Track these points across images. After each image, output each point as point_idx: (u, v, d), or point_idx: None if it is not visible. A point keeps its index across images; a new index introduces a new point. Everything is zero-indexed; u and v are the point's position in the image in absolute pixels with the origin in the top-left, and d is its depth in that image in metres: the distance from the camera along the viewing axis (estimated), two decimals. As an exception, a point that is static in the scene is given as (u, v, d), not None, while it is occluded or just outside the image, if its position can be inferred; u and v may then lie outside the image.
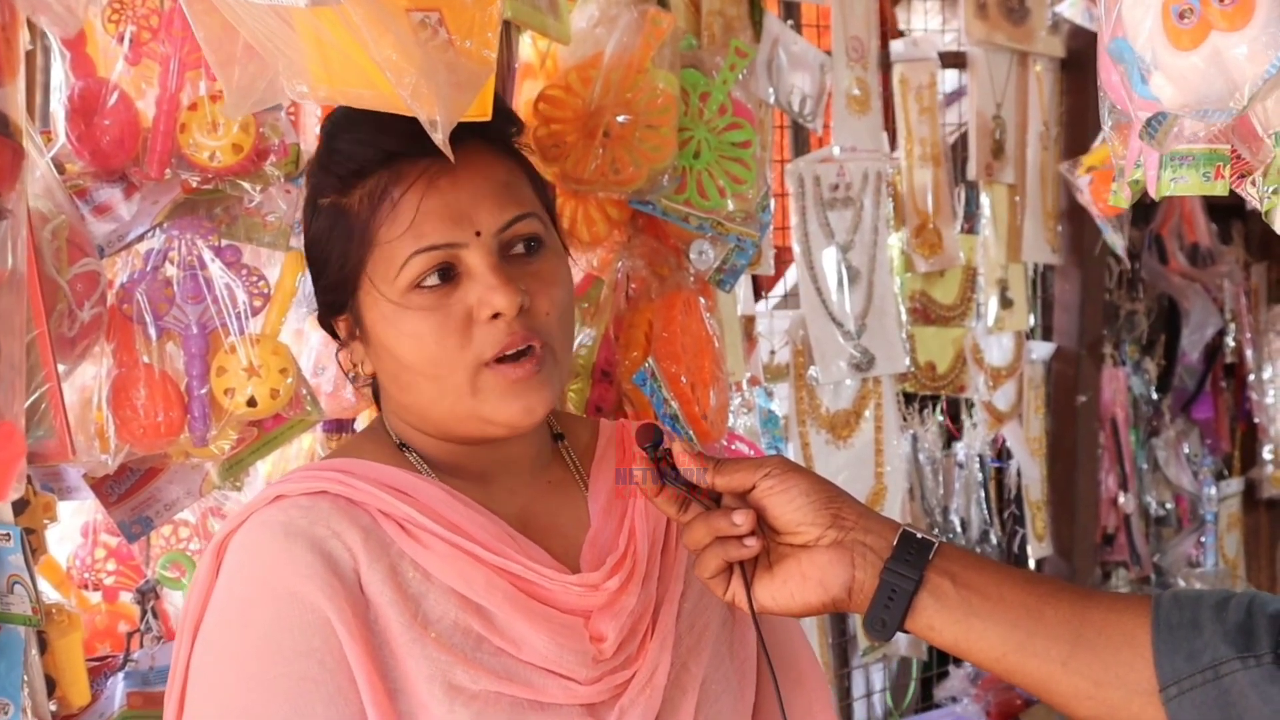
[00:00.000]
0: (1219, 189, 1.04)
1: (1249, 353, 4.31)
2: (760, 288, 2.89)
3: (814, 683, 1.47)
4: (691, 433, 2.03)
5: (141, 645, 1.79)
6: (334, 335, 1.41)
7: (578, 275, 1.98)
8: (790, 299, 2.90)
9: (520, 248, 1.32)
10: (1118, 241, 3.54)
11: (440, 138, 1.15)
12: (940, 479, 3.24)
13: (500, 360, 1.29)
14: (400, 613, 1.24)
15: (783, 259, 2.91)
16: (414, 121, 1.18)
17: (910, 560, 1.20)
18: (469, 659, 1.25)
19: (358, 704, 1.21)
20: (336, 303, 1.36)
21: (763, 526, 1.24)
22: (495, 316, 1.28)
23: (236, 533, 1.27)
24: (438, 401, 1.31)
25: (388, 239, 1.29)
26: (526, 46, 1.96)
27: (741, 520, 1.21)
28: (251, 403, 1.57)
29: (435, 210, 1.28)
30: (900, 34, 3.19)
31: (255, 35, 1.16)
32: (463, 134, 1.22)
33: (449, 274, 1.29)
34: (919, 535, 1.21)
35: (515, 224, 1.31)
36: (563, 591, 1.30)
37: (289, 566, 1.22)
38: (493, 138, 1.34)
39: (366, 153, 1.29)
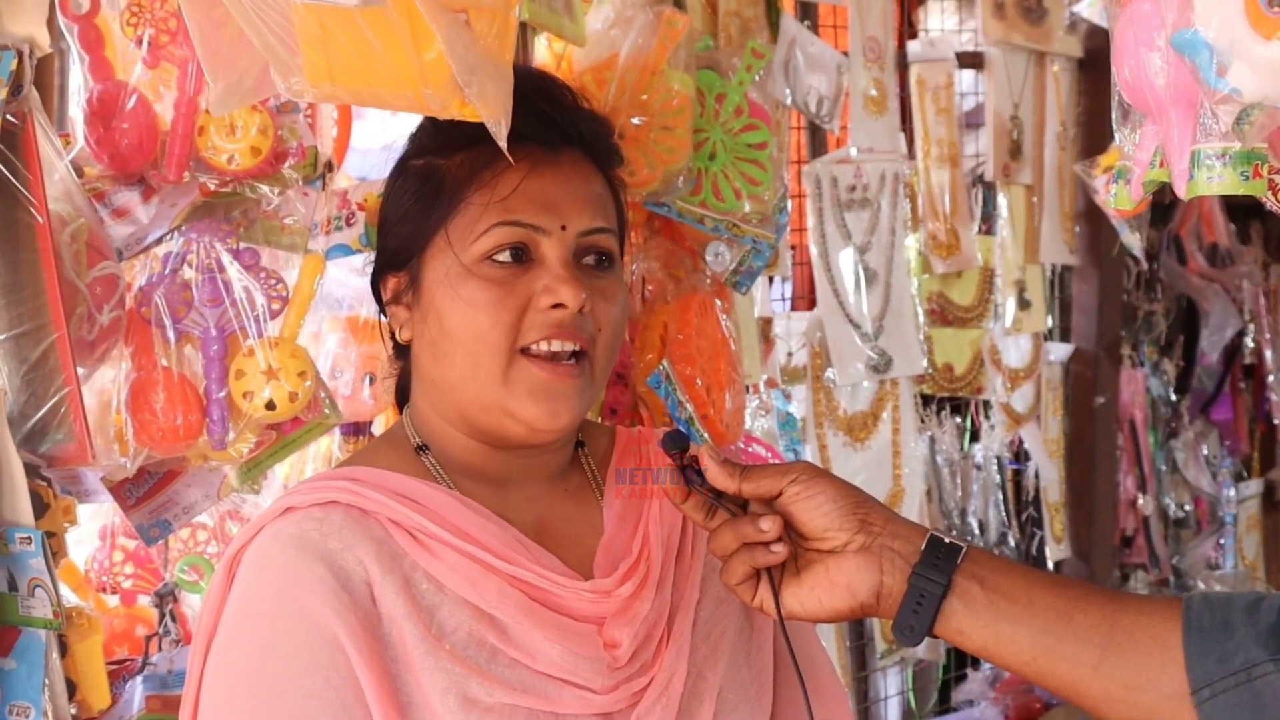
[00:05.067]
0: (1258, 189, 1.01)
1: (1268, 353, 4.28)
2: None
3: (832, 691, 1.46)
4: (706, 435, 2.02)
5: (160, 648, 1.79)
6: (377, 298, 1.41)
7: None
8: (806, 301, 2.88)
9: (592, 259, 1.35)
10: (1134, 242, 3.52)
11: (504, 137, 1.15)
12: (958, 481, 3.22)
13: (540, 355, 1.29)
14: (415, 625, 1.23)
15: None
16: (528, 110, 1.23)
17: (939, 565, 1.19)
18: (483, 671, 1.24)
19: None
20: (398, 258, 1.36)
21: (790, 532, 1.23)
22: (555, 307, 1.29)
23: (249, 546, 1.27)
24: (469, 382, 1.31)
25: (477, 203, 1.31)
26: (542, 48, 1.96)
27: (769, 526, 1.21)
28: (270, 406, 1.57)
29: (531, 192, 1.31)
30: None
31: (252, 27, 1.14)
32: (571, 142, 1.31)
33: (521, 256, 1.31)
34: (947, 540, 1.21)
35: (598, 234, 1.34)
36: (575, 598, 1.30)
37: (300, 582, 1.22)
38: (598, 158, 1.38)
39: (479, 126, 1.27)
